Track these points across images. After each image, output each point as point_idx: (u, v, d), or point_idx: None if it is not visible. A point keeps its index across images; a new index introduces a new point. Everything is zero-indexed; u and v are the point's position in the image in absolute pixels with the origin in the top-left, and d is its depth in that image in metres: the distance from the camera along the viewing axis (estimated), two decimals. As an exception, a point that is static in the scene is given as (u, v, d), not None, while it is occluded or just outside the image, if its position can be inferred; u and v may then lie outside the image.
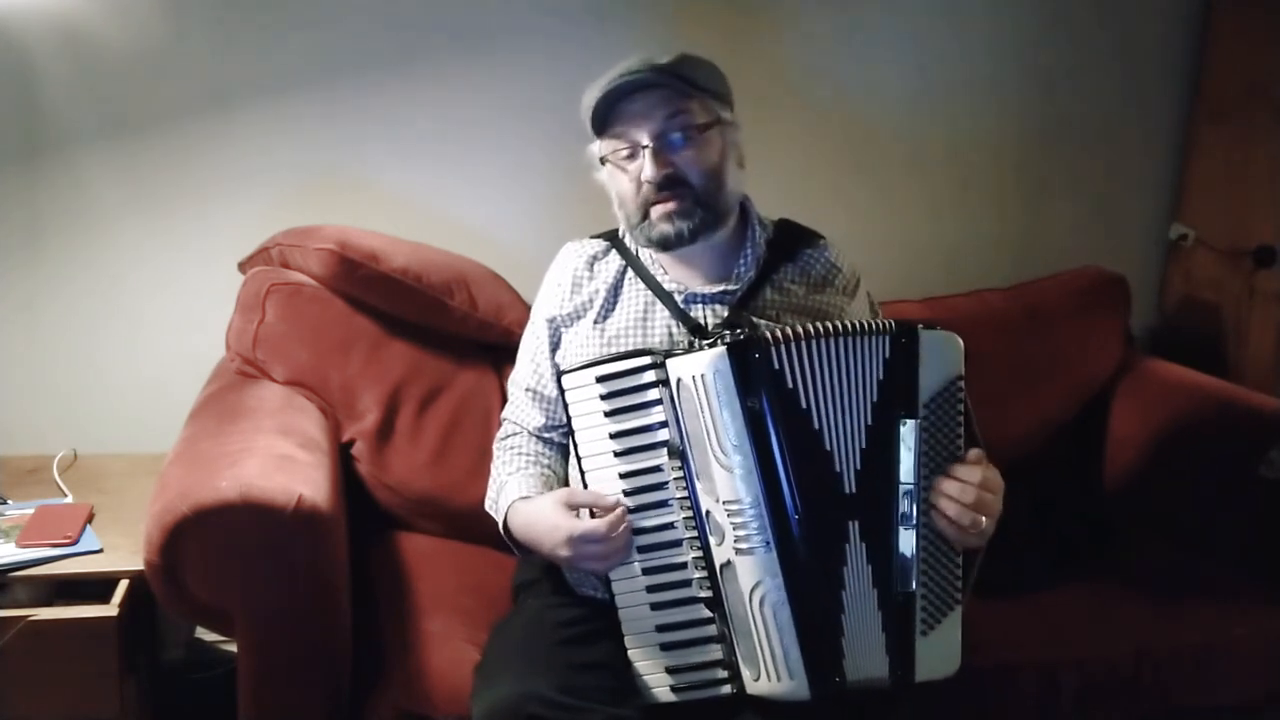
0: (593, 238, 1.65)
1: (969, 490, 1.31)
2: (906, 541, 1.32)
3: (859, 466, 1.32)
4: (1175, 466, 2.08)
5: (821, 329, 1.32)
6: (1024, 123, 2.45)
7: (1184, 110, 2.53)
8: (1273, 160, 2.33)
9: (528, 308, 1.96)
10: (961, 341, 1.35)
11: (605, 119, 1.48)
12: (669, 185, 1.47)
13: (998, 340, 2.17)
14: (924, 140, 2.41)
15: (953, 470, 1.33)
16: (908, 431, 1.32)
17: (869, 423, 1.32)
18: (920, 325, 1.33)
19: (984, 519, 1.32)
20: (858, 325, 1.33)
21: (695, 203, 1.48)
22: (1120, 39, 2.45)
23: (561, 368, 1.47)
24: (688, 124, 1.46)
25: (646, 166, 1.46)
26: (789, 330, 1.31)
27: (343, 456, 1.82)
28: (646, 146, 1.46)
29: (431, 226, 2.09)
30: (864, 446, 1.32)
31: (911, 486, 1.32)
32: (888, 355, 1.32)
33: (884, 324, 1.33)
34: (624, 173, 1.50)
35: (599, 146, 1.52)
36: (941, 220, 2.47)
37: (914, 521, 1.32)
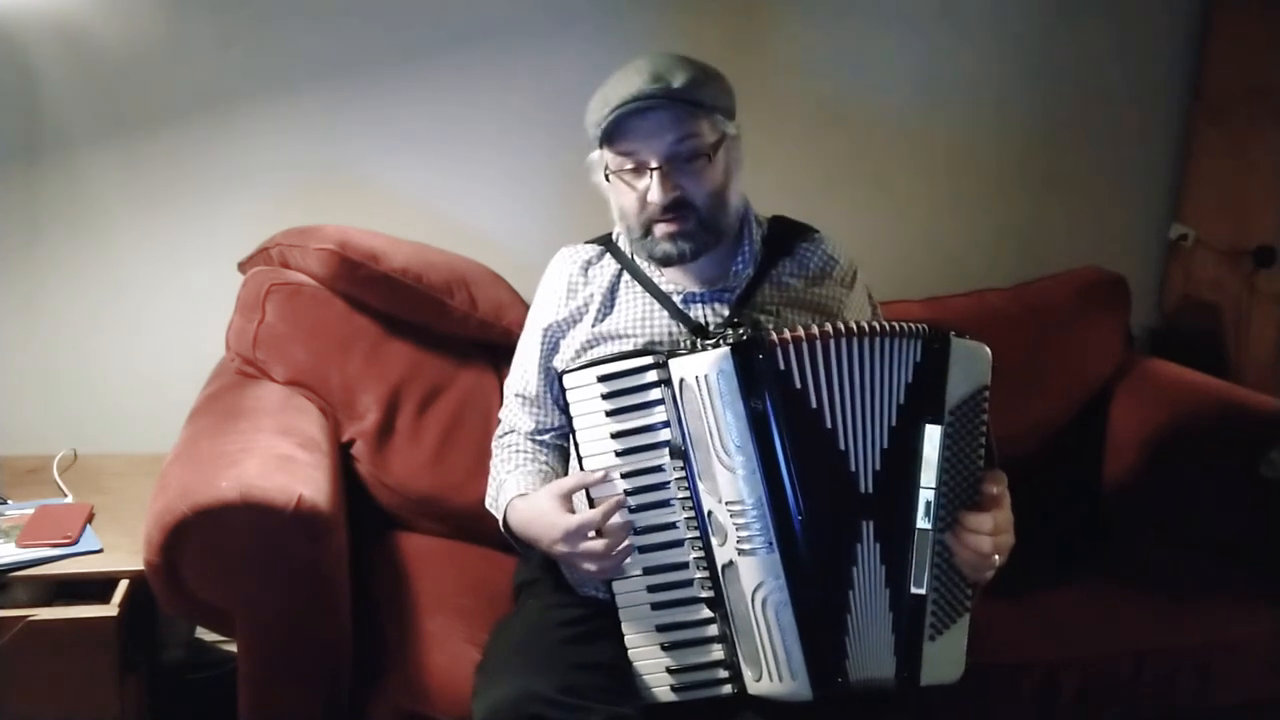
0: (586, 243, 1.65)
1: (985, 541, 1.30)
2: (922, 545, 1.31)
3: (878, 467, 1.31)
4: (1175, 466, 2.08)
5: (840, 328, 1.30)
6: (1024, 122, 2.45)
7: (1184, 110, 2.53)
8: (1273, 160, 2.33)
9: (528, 307, 1.95)
10: (990, 353, 1.34)
11: (612, 133, 1.46)
12: (675, 207, 1.46)
13: (997, 340, 2.09)
14: (924, 140, 2.41)
15: (966, 520, 1.31)
16: (932, 436, 1.31)
17: (892, 424, 1.31)
18: (953, 332, 1.32)
19: (997, 557, 1.32)
20: (884, 326, 1.31)
21: (699, 224, 1.47)
22: (1120, 39, 2.45)
23: (562, 368, 1.46)
24: (697, 148, 1.45)
25: (654, 189, 1.45)
26: (800, 331, 1.30)
27: (343, 456, 1.82)
28: (656, 169, 1.44)
29: (431, 226, 2.09)
30: (885, 447, 1.31)
31: (932, 491, 1.31)
32: (918, 359, 1.31)
33: (916, 327, 1.32)
34: (628, 187, 1.48)
35: (603, 157, 1.50)
36: (942, 220, 2.47)
37: (930, 526, 1.31)
